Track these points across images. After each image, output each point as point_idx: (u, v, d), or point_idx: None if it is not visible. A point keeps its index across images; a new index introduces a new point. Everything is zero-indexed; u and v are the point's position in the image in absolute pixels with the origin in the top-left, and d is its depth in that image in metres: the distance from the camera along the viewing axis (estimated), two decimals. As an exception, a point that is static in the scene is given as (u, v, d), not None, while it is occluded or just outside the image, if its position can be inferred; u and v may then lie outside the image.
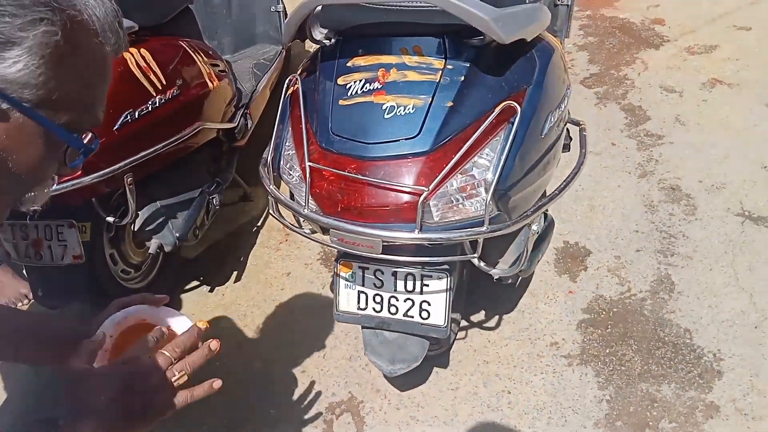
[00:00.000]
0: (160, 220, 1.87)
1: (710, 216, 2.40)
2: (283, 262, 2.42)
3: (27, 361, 1.17)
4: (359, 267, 1.51)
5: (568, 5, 1.99)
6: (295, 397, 1.92)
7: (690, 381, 1.86)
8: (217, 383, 0.95)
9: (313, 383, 1.95)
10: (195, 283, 2.34)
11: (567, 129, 1.79)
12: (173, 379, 0.89)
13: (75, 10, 0.63)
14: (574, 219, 2.46)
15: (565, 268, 2.27)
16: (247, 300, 2.27)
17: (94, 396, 0.82)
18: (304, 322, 2.16)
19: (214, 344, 0.96)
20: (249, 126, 2.29)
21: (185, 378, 0.92)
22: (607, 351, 1.97)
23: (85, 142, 0.71)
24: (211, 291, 2.31)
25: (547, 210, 1.62)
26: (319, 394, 1.93)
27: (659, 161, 2.69)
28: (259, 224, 2.61)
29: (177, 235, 1.90)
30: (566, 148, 1.90)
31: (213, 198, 2.07)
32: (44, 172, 0.69)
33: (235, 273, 2.37)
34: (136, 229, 1.85)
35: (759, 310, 2.04)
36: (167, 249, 1.93)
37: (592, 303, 2.13)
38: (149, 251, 1.93)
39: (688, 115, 2.93)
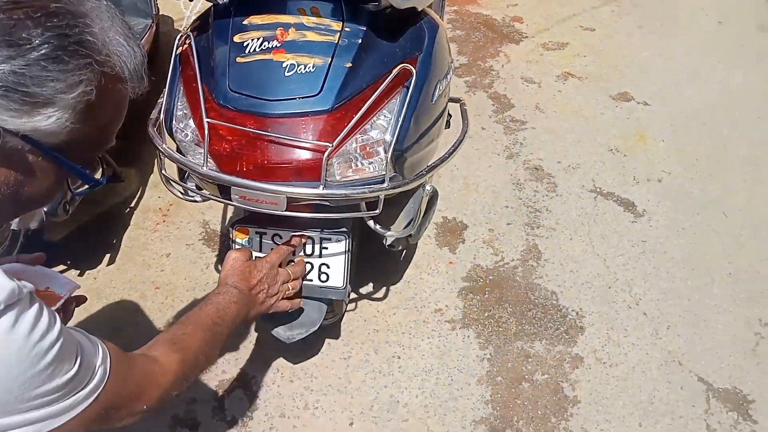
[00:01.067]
0: (25, 193, 1.69)
1: (568, 192, 2.65)
2: (162, 243, 2.30)
3: None
4: (256, 232, 1.49)
5: None
6: (183, 377, 1.84)
7: (558, 337, 2.05)
8: (302, 302, 1.48)
9: (201, 363, 1.89)
10: (62, 267, 2.15)
11: (447, 107, 1.89)
12: (288, 290, 1.38)
13: (110, 66, 0.67)
14: (451, 196, 2.60)
15: (445, 241, 2.39)
16: (123, 282, 2.13)
17: (254, 285, 1.28)
18: (188, 303, 2.07)
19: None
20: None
21: (292, 293, 1.40)
22: (486, 314, 2.11)
23: (96, 176, 0.77)
24: (81, 275, 2.13)
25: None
26: (208, 372, 1.86)
27: (523, 144, 2.92)
28: (132, 205, 2.45)
29: (44, 209, 1.74)
30: (447, 125, 2.01)
31: (84, 172, 1.91)
32: (49, 198, 0.75)
33: (107, 255, 2.22)
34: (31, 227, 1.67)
35: (611, 272, 2.29)
36: (33, 226, 1.76)
37: (470, 272, 2.27)
38: (11, 227, 1.74)
39: (546, 103, 3.21)
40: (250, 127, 1.27)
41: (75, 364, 0.73)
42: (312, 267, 1.51)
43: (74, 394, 0.73)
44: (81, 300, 1.21)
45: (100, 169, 0.80)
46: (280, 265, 1.40)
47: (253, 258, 1.37)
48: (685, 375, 1.94)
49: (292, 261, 1.49)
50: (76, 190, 0.79)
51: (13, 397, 0.65)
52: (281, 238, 1.49)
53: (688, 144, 2.97)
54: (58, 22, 0.62)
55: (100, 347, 0.81)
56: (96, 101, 0.67)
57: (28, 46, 0.60)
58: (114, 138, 0.77)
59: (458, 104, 1.93)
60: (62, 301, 1.08)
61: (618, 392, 1.88)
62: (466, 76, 3.41)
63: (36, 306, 0.68)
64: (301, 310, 1.56)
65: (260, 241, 1.50)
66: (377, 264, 2.21)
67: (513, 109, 3.16)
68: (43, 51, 0.61)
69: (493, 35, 3.82)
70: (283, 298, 1.37)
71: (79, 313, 1.97)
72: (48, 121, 0.63)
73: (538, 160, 2.83)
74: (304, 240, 1.48)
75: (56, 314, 0.73)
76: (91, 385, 0.76)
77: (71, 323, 1.14)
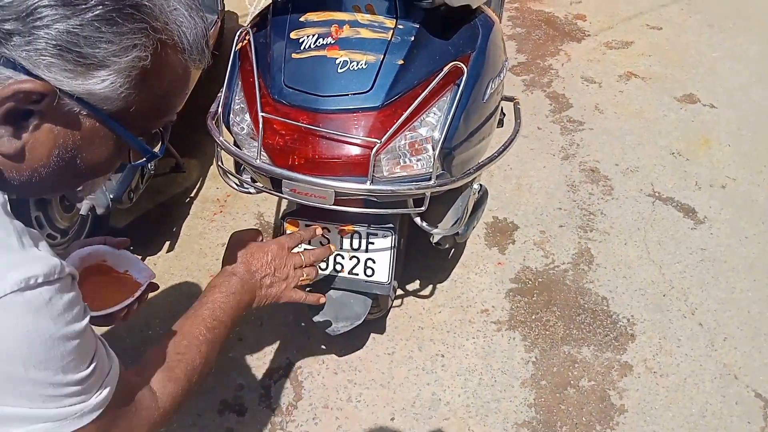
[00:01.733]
0: (93, 180, 1.79)
1: (625, 196, 2.58)
2: (218, 232, 2.38)
3: None
4: (306, 225, 1.52)
5: None
6: (233, 364, 1.91)
7: (607, 343, 2.01)
8: (323, 299, 1.29)
9: (250, 350, 1.95)
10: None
11: (501, 106, 1.87)
12: (303, 277, 1.22)
13: (168, 34, 0.67)
14: (503, 196, 2.57)
15: (494, 241, 2.37)
16: (181, 270, 2.22)
17: (259, 267, 1.15)
18: (240, 291, 2.14)
19: (333, 248, 1.33)
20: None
21: (308, 281, 1.24)
22: (533, 317, 2.09)
23: (155, 149, 0.75)
24: (142, 260, 2.23)
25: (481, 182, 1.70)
26: (256, 361, 1.92)
27: (580, 145, 2.86)
28: (192, 195, 2.55)
29: (111, 196, 1.83)
30: (500, 123, 1.99)
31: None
32: (109, 167, 0.74)
33: (167, 243, 2.31)
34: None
35: (667, 280, 2.22)
36: (99, 211, 1.86)
37: (519, 273, 2.24)
38: (80, 212, 1.85)
39: (606, 104, 3.13)
40: (302, 122, 1.30)
41: (89, 367, 0.70)
42: (358, 261, 1.54)
43: (80, 403, 0.69)
44: (154, 287, 1.19)
45: (159, 145, 0.78)
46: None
47: (260, 240, 1.24)
48: (741, 389, 1.86)
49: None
50: (134, 162, 0.78)
51: (25, 375, 0.63)
52: (329, 231, 1.52)
53: (756, 149, 2.83)
54: None
55: (113, 365, 0.77)
56: (151, 69, 0.67)
57: (83, 6, 0.60)
58: (174, 114, 0.76)
59: (512, 103, 1.92)
60: (141, 289, 1.11)
61: (668, 403, 1.83)
62: (524, 74, 3.36)
63: (74, 293, 0.68)
64: (346, 304, 1.59)
65: (309, 234, 1.54)
66: (425, 262, 2.22)
67: (571, 109, 3.10)
68: (97, 12, 0.61)
69: (555, 33, 3.75)
70: (298, 287, 1.22)
71: (138, 296, 2.08)
72: (102, 84, 0.64)
73: (595, 162, 2.77)
74: (349, 231, 1.49)
75: (87, 308, 0.71)
76: (95, 401, 0.72)
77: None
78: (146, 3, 0.65)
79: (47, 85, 0.61)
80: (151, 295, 1.20)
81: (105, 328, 1.62)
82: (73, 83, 0.62)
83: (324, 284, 1.58)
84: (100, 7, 0.60)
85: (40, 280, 0.62)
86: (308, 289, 1.49)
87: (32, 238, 0.65)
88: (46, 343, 0.63)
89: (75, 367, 0.68)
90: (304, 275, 1.21)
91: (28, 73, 0.60)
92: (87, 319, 0.69)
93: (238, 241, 1.18)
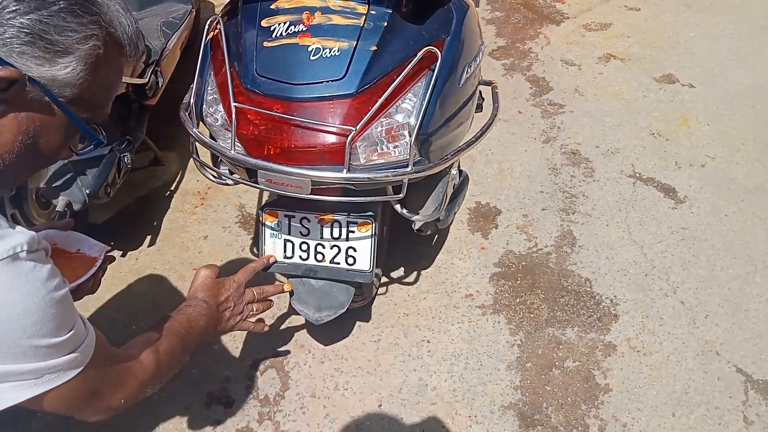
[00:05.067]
0: (68, 176, 1.77)
1: (606, 177, 2.60)
2: (200, 225, 2.36)
3: None
4: (285, 215, 1.52)
5: None
6: (218, 356, 1.90)
7: (590, 324, 2.02)
8: (266, 327, 1.50)
9: (235, 342, 1.94)
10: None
11: (479, 90, 1.87)
12: (252, 311, 1.42)
13: (113, 28, 0.78)
14: (485, 181, 2.57)
15: (477, 226, 2.38)
16: (163, 264, 2.20)
17: (222, 302, 1.34)
18: (224, 284, 2.13)
19: (287, 286, 1.54)
20: (160, 84, 2.20)
21: (259, 314, 1.45)
22: (517, 300, 2.10)
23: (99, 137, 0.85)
24: (123, 256, 2.21)
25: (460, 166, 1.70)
26: (242, 352, 1.92)
27: (561, 128, 2.86)
28: (172, 188, 2.52)
29: (87, 191, 1.80)
30: (479, 108, 1.99)
31: (124, 156, 1.98)
32: (57, 156, 0.83)
33: (148, 237, 2.29)
34: (41, 186, 1.74)
35: (648, 260, 2.24)
36: (76, 207, 1.83)
37: (502, 257, 2.25)
38: (56, 209, 1.82)
39: (586, 86, 3.13)
40: (276, 111, 1.29)
41: (72, 328, 0.80)
42: (339, 250, 1.53)
43: (64, 356, 0.80)
44: (111, 259, 1.31)
45: (100, 134, 0.88)
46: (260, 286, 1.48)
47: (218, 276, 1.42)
48: (723, 365, 1.89)
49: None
50: (79, 152, 0.88)
51: (18, 337, 0.72)
52: (309, 221, 1.51)
53: (734, 128, 2.86)
54: None
55: (89, 327, 0.88)
56: (102, 59, 0.76)
57: (50, 0, 0.70)
58: (110, 107, 0.86)
59: (490, 87, 1.91)
60: (99, 262, 1.20)
61: (651, 381, 1.85)
62: (504, 58, 3.35)
63: (51, 263, 0.77)
64: (329, 293, 1.59)
65: (289, 224, 1.53)
66: (408, 249, 2.22)
67: (551, 92, 3.10)
68: (62, 5, 0.70)
69: (534, 16, 3.74)
70: (248, 319, 1.42)
71: (120, 293, 2.06)
72: (66, 70, 0.72)
73: (576, 144, 2.77)
74: (328, 220, 1.50)
75: (65, 279, 0.80)
76: (78, 354, 0.82)
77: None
78: (98, 0, 0.75)
79: (17, 72, 0.68)
80: (133, 289, 1.29)
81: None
82: (41, 69, 0.71)
83: (306, 274, 1.58)
84: (64, 1, 0.70)
85: (25, 248, 0.71)
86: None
87: (5, 224, 0.74)
88: (38, 305, 0.72)
89: (63, 329, 0.78)
90: (254, 309, 1.43)
91: (0, 62, 0.68)
92: (67, 287, 0.80)
93: (204, 277, 1.36)
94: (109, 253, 1.27)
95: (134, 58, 0.84)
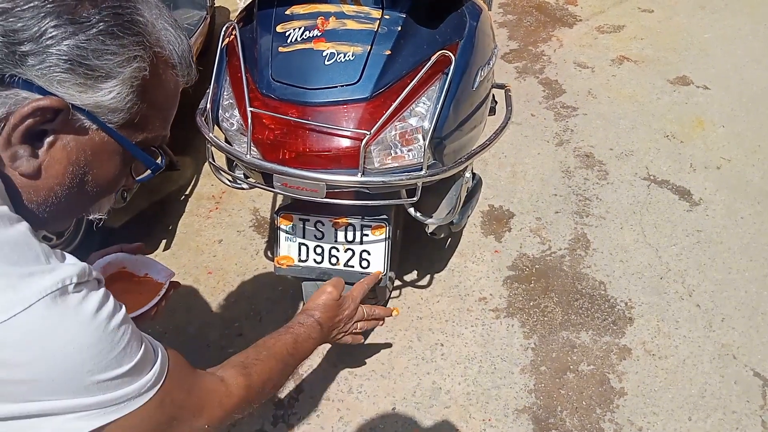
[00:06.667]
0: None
1: (620, 180, 2.58)
2: (214, 229, 2.38)
3: None
4: (300, 219, 1.53)
5: None
6: (232, 358, 1.91)
7: (605, 327, 2.01)
8: (362, 340, 1.45)
9: (248, 345, 1.95)
10: (121, 252, 2.26)
11: (493, 93, 1.87)
12: (359, 328, 1.40)
13: (160, 47, 0.73)
14: (498, 184, 2.57)
15: (491, 229, 2.38)
16: (178, 267, 2.22)
17: (337, 321, 1.32)
18: (238, 288, 2.15)
19: (395, 312, 1.52)
20: (176, 90, 2.22)
21: (364, 329, 1.42)
22: (531, 304, 2.09)
23: (156, 161, 0.80)
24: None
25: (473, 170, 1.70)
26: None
27: (574, 131, 2.86)
28: (187, 193, 2.55)
29: (104, 196, 1.83)
30: (492, 111, 1.99)
31: (141, 161, 2.00)
32: (116, 184, 0.78)
33: (164, 241, 2.32)
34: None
35: (663, 263, 2.22)
36: (94, 212, 1.86)
37: (516, 261, 2.25)
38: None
39: (599, 88, 3.12)
40: (291, 116, 1.30)
41: (137, 354, 0.73)
42: (353, 253, 1.54)
43: (134, 383, 0.73)
44: (176, 285, 1.23)
45: (159, 158, 0.83)
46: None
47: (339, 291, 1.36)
48: (740, 369, 1.87)
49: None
50: (137, 177, 0.82)
51: (77, 375, 0.67)
52: (323, 224, 1.52)
53: (750, 129, 2.83)
54: (112, 3, 0.69)
55: (160, 348, 0.81)
56: (150, 80, 0.72)
57: (87, 23, 0.66)
58: (169, 129, 0.81)
59: (503, 90, 1.91)
60: (165, 288, 1.16)
61: (667, 385, 1.84)
62: (517, 61, 3.35)
63: (104, 290, 0.71)
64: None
65: (303, 228, 1.54)
66: (422, 252, 2.22)
67: (564, 94, 3.09)
68: (101, 27, 0.67)
69: (546, 19, 3.73)
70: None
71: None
72: (110, 96, 0.69)
73: (589, 147, 2.76)
74: (343, 224, 1.50)
75: (121, 304, 0.74)
76: (149, 376, 0.75)
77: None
78: (140, 18, 0.71)
79: (61, 101, 0.65)
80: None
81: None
82: (84, 96, 0.67)
83: (320, 277, 1.59)
84: (102, 23, 0.67)
85: (74, 281, 0.66)
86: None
87: (57, 257, 0.69)
88: (93, 338, 0.67)
89: (122, 359, 0.71)
90: (358, 328, 1.41)
91: (42, 91, 0.65)
92: (124, 309, 0.73)
93: (329, 295, 1.32)
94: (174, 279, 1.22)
95: (188, 77, 0.79)
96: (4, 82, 0.64)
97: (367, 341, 1.97)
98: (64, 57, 0.65)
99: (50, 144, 0.68)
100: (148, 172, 0.81)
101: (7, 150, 0.66)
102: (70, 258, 0.69)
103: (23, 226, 0.66)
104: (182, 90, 0.83)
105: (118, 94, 0.69)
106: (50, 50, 0.65)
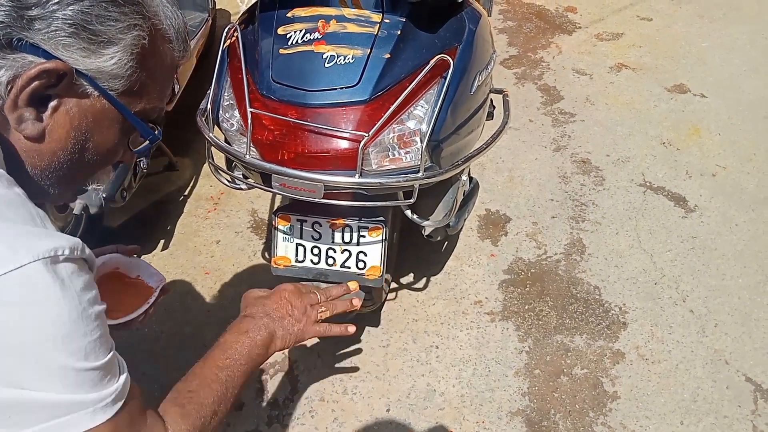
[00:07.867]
0: (85, 180, 1.80)
1: (616, 186, 2.60)
2: (212, 230, 2.39)
3: None
4: (297, 219, 1.54)
5: None
6: (228, 358, 1.92)
7: (599, 332, 2.03)
8: (351, 328, 1.21)
9: (245, 345, 1.96)
10: (119, 251, 2.27)
11: (491, 98, 1.89)
12: (318, 312, 1.17)
13: (158, 20, 0.76)
14: (495, 189, 2.59)
15: (487, 233, 2.39)
16: (176, 268, 2.23)
17: (274, 308, 1.12)
18: (236, 288, 2.16)
19: (356, 301, 1.26)
20: (176, 90, 2.24)
21: (327, 314, 1.17)
22: (526, 307, 2.11)
23: (155, 132, 0.82)
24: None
25: (470, 173, 1.72)
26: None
27: (572, 137, 2.88)
28: (186, 193, 2.56)
29: (104, 195, 1.84)
30: (490, 116, 2.00)
31: (140, 161, 2.02)
32: (115, 153, 0.81)
33: (162, 241, 2.33)
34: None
35: (658, 268, 2.24)
36: (93, 211, 1.87)
37: (512, 265, 2.26)
38: (73, 212, 1.86)
39: (597, 95, 3.15)
40: (291, 117, 1.31)
41: (105, 357, 0.70)
42: (350, 255, 1.55)
43: (91, 392, 0.68)
44: (166, 291, 1.20)
45: (156, 130, 0.84)
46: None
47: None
48: (732, 374, 1.89)
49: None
50: (135, 149, 0.84)
51: (45, 348, 0.64)
52: (321, 225, 1.54)
53: (746, 138, 2.86)
54: None
55: (125, 367, 0.76)
56: (149, 50, 0.75)
57: None
58: (165, 102, 0.84)
59: (501, 95, 1.93)
60: (155, 295, 1.15)
61: (660, 389, 1.85)
62: (516, 67, 3.37)
63: (90, 276, 0.70)
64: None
65: (301, 229, 1.55)
66: (418, 255, 2.24)
67: (562, 101, 3.11)
68: None
69: (545, 26, 3.76)
70: (317, 322, 1.18)
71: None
72: (111, 61, 0.71)
73: (586, 153, 2.78)
74: (340, 225, 1.51)
75: (103, 302, 0.72)
76: (111, 390, 0.70)
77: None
78: None
79: (66, 65, 0.68)
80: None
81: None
82: (87, 61, 0.70)
83: (317, 277, 1.60)
84: None
85: (66, 252, 0.66)
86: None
87: (52, 225, 0.70)
88: (71, 315, 0.65)
89: (95, 352, 0.68)
90: (323, 309, 1.18)
91: (48, 55, 0.67)
92: (104, 306, 0.71)
93: (253, 292, 1.19)
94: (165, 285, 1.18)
95: (183, 53, 0.82)
96: (12, 46, 0.66)
97: (362, 342, 1.98)
98: (69, 21, 0.67)
99: (54, 108, 0.71)
100: (146, 143, 0.83)
101: (14, 112, 0.68)
102: (65, 234, 0.70)
103: (19, 190, 0.68)
104: (180, 97, 0.83)
105: (119, 60, 0.72)
106: (56, 14, 0.67)
